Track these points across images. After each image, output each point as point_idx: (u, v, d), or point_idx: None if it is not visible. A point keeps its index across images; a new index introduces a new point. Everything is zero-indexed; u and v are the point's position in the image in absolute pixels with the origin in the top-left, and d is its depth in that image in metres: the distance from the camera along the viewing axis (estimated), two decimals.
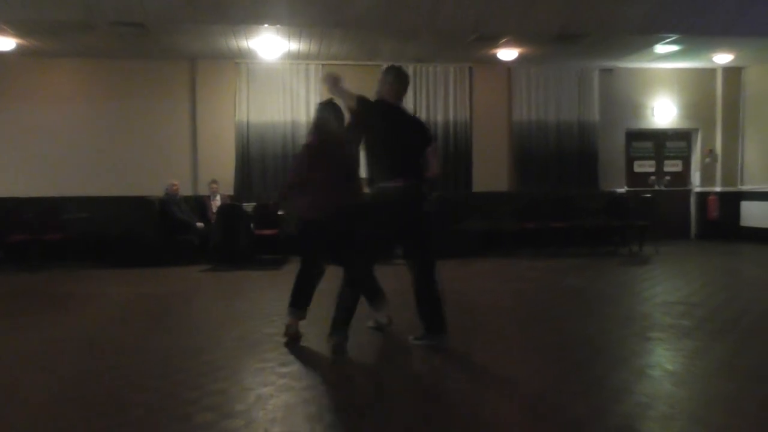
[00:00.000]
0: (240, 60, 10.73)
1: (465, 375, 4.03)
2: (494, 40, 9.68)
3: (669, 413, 3.23)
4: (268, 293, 7.08)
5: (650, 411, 3.25)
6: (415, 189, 4.51)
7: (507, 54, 10.36)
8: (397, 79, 4.71)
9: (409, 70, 11.20)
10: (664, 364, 4.15)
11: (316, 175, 4.66)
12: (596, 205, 10.87)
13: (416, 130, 4.74)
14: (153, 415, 3.26)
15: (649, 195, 11.21)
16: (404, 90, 4.80)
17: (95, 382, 3.87)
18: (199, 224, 9.84)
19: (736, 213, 12.14)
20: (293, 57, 10.59)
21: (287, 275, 8.48)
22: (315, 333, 5.06)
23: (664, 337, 4.82)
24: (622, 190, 11.99)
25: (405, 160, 4.55)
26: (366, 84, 10.90)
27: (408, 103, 11.05)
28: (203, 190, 10.52)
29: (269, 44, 9.67)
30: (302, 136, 10.86)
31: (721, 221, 12.14)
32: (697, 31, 9.45)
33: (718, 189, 12.34)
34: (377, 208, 4.54)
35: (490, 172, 11.53)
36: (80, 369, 4.16)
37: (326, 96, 5.33)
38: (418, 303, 4.58)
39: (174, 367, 4.14)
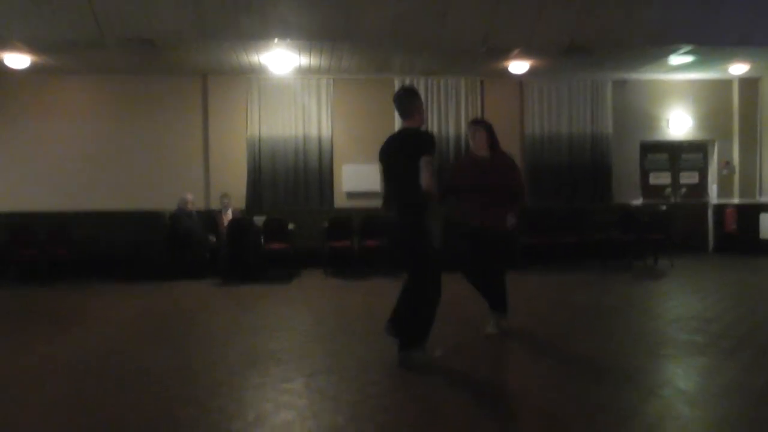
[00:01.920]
0: (251, 75, 10.78)
1: (469, 393, 3.94)
2: (504, 53, 9.63)
3: None
4: (275, 308, 7.04)
5: None
6: (395, 213, 4.51)
7: (518, 67, 10.30)
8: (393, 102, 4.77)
9: (420, 83, 11.21)
10: (675, 383, 4.03)
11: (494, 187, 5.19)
12: (610, 218, 10.70)
13: (398, 148, 4.55)
14: None
15: (664, 207, 11.02)
16: (397, 109, 4.71)
17: (92, 398, 3.84)
18: (211, 238, 9.85)
19: (755, 226, 11.89)
20: (304, 71, 10.63)
21: (296, 290, 8.50)
22: (318, 350, 5.01)
23: (676, 354, 4.69)
24: (638, 202, 11.82)
25: (388, 187, 4.66)
26: (375, 97, 11.04)
27: None
28: (215, 205, 10.55)
29: (280, 59, 9.70)
30: (314, 150, 10.94)
31: (739, 234, 11.90)
32: (712, 42, 9.32)
33: (736, 201, 12.12)
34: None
35: None
36: (78, 385, 4.14)
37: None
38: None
39: (174, 383, 4.10)
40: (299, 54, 9.54)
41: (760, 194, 12.05)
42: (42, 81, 10.50)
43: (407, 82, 11.10)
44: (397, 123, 11.33)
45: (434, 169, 4.37)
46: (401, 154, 4.48)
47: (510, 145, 11.53)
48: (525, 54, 9.73)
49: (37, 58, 9.33)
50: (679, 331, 5.47)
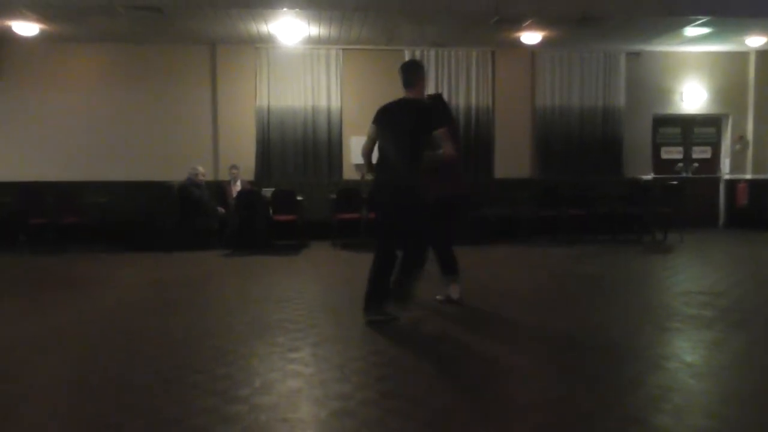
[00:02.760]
0: (260, 44, 10.69)
1: (475, 364, 3.96)
2: (516, 23, 9.48)
3: (683, 406, 3.12)
4: (283, 279, 7.07)
5: (663, 404, 3.14)
6: (389, 181, 4.73)
7: (530, 37, 10.14)
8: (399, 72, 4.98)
9: (430, 54, 11.09)
10: (681, 356, 4.03)
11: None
12: (620, 191, 10.62)
13: (410, 119, 4.76)
14: (154, 399, 3.25)
15: (675, 182, 10.93)
16: (402, 78, 4.92)
17: (99, 364, 3.89)
18: (220, 209, 9.87)
19: (767, 201, 11.78)
20: (313, 41, 10.52)
21: (304, 261, 8.53)
22: (325, 319, 5.03)
23: (683, 328, 4.68)
24: (649, 176, 11.72)
25: (385, 153, 4.81)
26: (385, 68, 10.94)
27: (429, 88, 10.92)
28: (224, 176, 10.55)
29: (289, 28, 9.61)
30: (323, 122, 10.89)
31: (750, 209, 11.80)
32: (729, 13, 9.12)
33: (748, 176, 11.99)
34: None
35: (512, 158, 11.36)
36: (86, 352, 4.19)
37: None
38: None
39: (180, 350, 4.14)
40: (308, 24, 9.43)
41: None
42: (51, 49, 10.47)
43: (417, 53, 10.99)
44: None
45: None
46: (417, 124, 4.71)
47: (520, 116, 11.47)
48: (537, 24, 9.57)
49: (46, 26, 9.29)
50: (686, 304, 5.45)
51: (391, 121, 4.81)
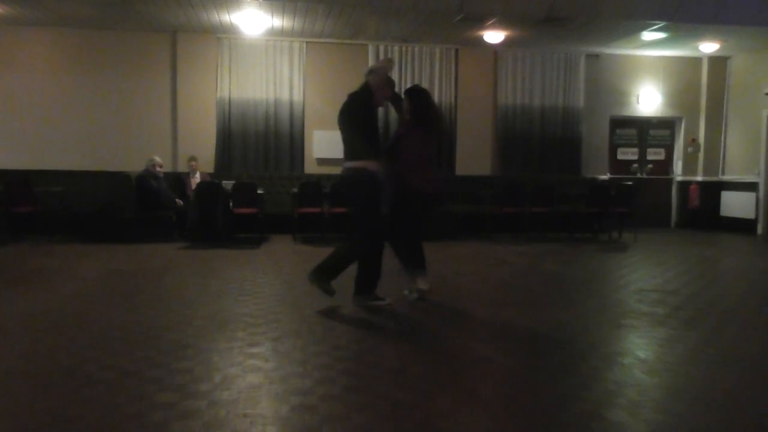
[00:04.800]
0: (222, 35, 10.54)
1: (437, 359, 3.99)
2: (480, 21, 9.56)
3: (637, 401, 3.21)
4: (242, 272, 6.98)
5: (618, 399, 3.23)
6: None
7: (493, 37, 10.26)
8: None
9: (395, 50, 11.10)
10: (635, 352, 4.14)
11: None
12: (578, 191, 10.85)
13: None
14: (111, 394, 3.18)
15: (630, 183, 11.22)
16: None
17: (54, 358, 3.78)
18: (178, 201, 9.70)
19: (716, 203, 12.20)
20: (276, 33, 10.42)
21: (264, 255, 8.45)
22: (285, 314, 5.00)
23: (637, 325, 4.81)
24: (605, 177, 11.99)
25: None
26: (349, 63, 10.90)
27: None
28: (183, 167, 10.36)
29: (252, 19, 9.49)
30: (285, 115, 10.80)
31: (701, 210, 12.20)
32: (685, 19, 9.39)
33: (699, 178, 12.38)
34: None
35: (474, 155, 11.48)
36: (40, 345, 4.07)
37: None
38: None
39: (138, 344, 4.05)
40: (272, 15, 9.33)
41: (723, 172, 12.33)
42: (4, 32, 10.13)
43: (381, 48, 10.99)
44: None
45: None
46: None
47: (482, 114, 11.59)
48: (501, 23, 9.68)
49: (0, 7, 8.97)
50: (640, 302, 5.61)
51: None
